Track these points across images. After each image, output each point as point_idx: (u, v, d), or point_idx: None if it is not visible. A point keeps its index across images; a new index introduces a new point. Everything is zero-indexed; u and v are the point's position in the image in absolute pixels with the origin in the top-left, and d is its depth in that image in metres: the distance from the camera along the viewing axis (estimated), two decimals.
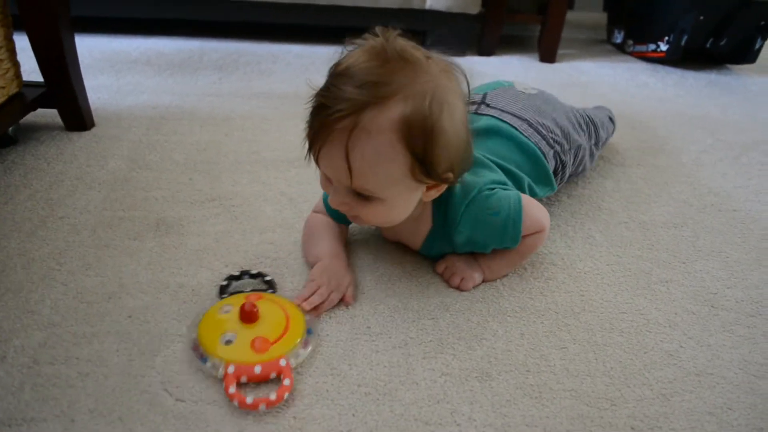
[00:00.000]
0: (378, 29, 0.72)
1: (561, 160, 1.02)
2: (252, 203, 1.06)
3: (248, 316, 0.74)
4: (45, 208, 1.01)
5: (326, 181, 0.77)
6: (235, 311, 0.76)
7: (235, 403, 0.66)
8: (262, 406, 0.66)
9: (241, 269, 0.87)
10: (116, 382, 0.69)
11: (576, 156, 1.07)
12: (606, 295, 0.89)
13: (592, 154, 1.16)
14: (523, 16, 2.17)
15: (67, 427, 0.64)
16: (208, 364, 0.70)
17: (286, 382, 0.68)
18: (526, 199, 0.85)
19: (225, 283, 0.85)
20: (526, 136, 0.97)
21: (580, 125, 1.11)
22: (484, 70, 1.87)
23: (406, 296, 0.85)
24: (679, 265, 0.97)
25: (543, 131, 0.99)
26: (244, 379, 0.69)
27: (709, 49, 2.03)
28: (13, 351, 0.72)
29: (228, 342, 0.72)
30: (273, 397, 0.66)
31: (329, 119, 0.68)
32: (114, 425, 0.64)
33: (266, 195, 1.09)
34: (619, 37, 2.26)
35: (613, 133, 1.29)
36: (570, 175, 1.11)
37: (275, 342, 0.72)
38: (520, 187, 0.94)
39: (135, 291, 0.84)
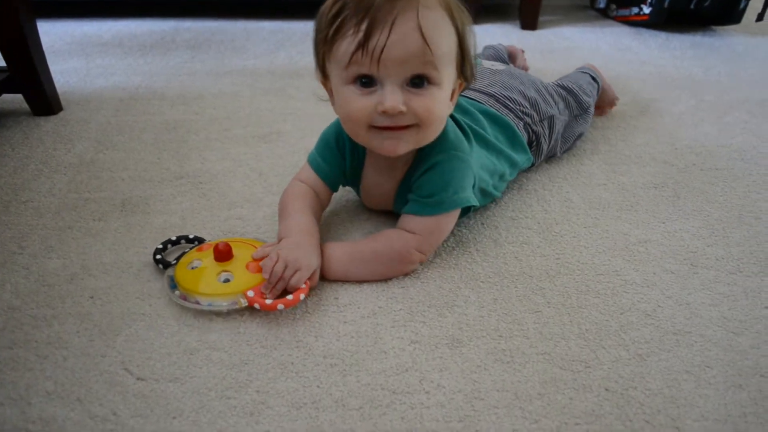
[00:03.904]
0: None
1: (533, 131, 1.02)
2: (221, 179, 1.04)
3: (224, 254, 0.78)
4: (8, 193, 0.98)
5: (365, 93, 0.73)
6: (208, 260, 0.79)
7: (281, 307, 0.73)
8: (280, 306, 0.72)
9: (178, 235, 0.88)
10: (75, 363, 0.67)
11: (551, 127, 1.05)
12: (582, 258, 0.86)
13: (578, 122, 1.14)
14: None
15: (24, 410, 0.62)
16: (223, 304, 0.74)
17: (302, 285, 0.75)
18: (454, 213, 0.83)
19: (161, 246, 0.84)
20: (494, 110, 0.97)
21: (553, 97, 1.09)
22: None
23: None
24: (659, 225, 0.95)
25: (510, 104, 1.00)
26: (263, 288, 0.75)
27: (693, 10, 1.99)
28: None
29: (227, 280, 0.76)
30: (290, 297, 0.73)
31: None
32: (72, 407, 0.62)
33: (236, 171, 1.06)
34: (602, 2, 2.22)
35: (599, 92, 1.27)
36: (553, 148, 1.09)
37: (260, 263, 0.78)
38: (498, 154, 0.94)
39: (98, 272, 0.81)
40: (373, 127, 0.74)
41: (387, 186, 0.87)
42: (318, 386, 0.65)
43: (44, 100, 1.26)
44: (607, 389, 0.65)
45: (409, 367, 0.67)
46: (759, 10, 1.90)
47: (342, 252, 0.81)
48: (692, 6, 1.98)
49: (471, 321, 0.74)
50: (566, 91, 1.13)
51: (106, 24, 1.91)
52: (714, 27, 2.12)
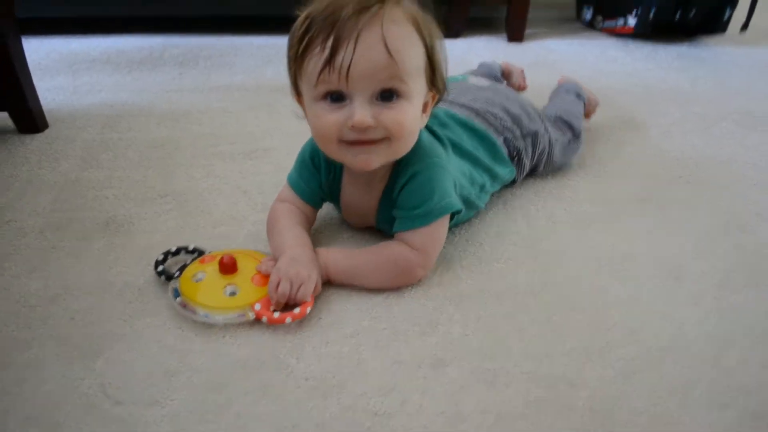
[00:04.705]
0: None
1: (514, 146, 1.01)
2: (206, 197, 1.03)
3: (229, 267, 0.79)
4: None
5: (334, 109, 0.73)
6: (211, 272, 0.79)
7: (289, 320, 0.74)
8: (288, 320, 0.73)
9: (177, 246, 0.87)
10: (54, 387, 0.66)
11: (534, 144, 1.05)
12: (568, 273, 0.86)
13: (571, 144, 1.14)
14: None
15: None
16: (229, 316, 0.75)
17: (308, 298, 0.76)
18: (445, 220, 0.83)
19: (161, 257, 0.85)
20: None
21: (540, 117, 1.09)
22: (453, 53, 1.82)
23: None
24: (645, 238, 0.95)
25: (491, 119, 1.00)
26: (272, 308, 0.75)
27: (678, 21, 2.00)
28: None
29: (232, 293, 0.77)
30: (297, 310, 0.74)
31: (358, 8, 0.69)
32: None
33: (221, 188, 1.06)
34: (588, 14, 2.23)
35: (585, 106, 1.27)
36: (536, 166, 1.09)
37: (266, 276, 0.79)
38: (476, 164, 0.93)
39: (79, 292, 0.81)
40: (344, 142, 0.75)
41: (367, 202, 0.87)
42: (299, 409, 0.64)
43: (30, 118, 1.26)
44: (591, 409, 0.65)
45: (391, 388, 0.66)
46: (744, 20, 1.91)
47: (344, 259, 0.82)
48: (677, 17, 1.99)
49: (454, 340, 0.73)
50: (559, 120, 1.13)
51: (94, 40, 1.91)
52: (700, 37, 2.13)
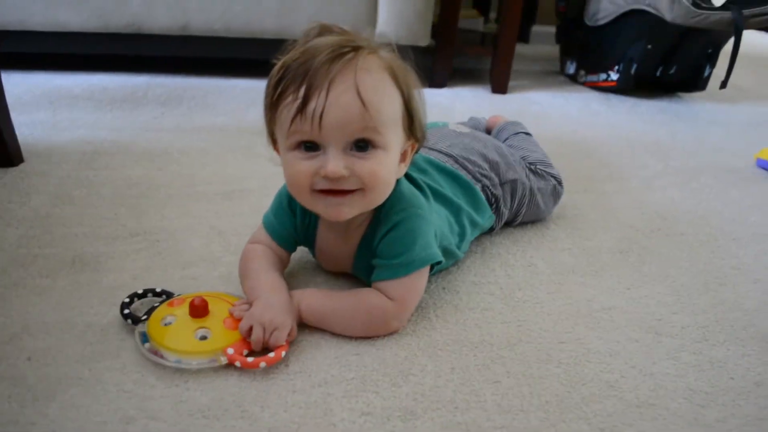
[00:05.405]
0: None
1: (492, 194, 1.00)
2: (178, 237, 1.01)
3: (200, 310, 0.76)
4: None
5: (307, 158, 0.72)
6: (182, 316, 0.77)
7: (263, 365, 0.71)
8: (262, 364, 0.71)
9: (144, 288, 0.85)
10: None
11: (513, 191, 1.04)
12: (545, 325, 0.84)
13: (556, 189, 1.13)
14: (474, 48, 2.17)
15: None
16: (200, 361, 0.72)
17: (282, 342, 0.74)
18: (425, 271, 0.81)
19: (127, 300, 0.81)
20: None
21: (520, 165, 1.08)
22: (436, 102, 1.84)
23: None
24: (624, 291, 0.94)
25: (469, 166, 0.99)
26: (245, 352, 0.73)
27: (659, 77, 2.04)
28: None
29: (203, 337, 0.74)
30: (272, 355, 0.72)
31: (332, 56, 0.68)
32: None
33: (195, 228, 1.04)
34: (571, 68, 2.27)
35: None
36: (515, 214, 1.07)
37: (238, 320, 0.76)
38: (457, 212, 0.92)
39: (39, 332, 0.77)
40: (317, 192, 0.73)
41: (344, 248, 0.85)
42: None
43: (4, 152, 1.23)
44: None
45: None
46: (722, 78, 1.95)
47: (319, 300, 0.80)
48: (658, 74, 2.03)
49: (426, 391, 0.71)
50: (539, 171, 1.12)
51: (78, 77, 1.90)
52: (680, 93, 2.17)
